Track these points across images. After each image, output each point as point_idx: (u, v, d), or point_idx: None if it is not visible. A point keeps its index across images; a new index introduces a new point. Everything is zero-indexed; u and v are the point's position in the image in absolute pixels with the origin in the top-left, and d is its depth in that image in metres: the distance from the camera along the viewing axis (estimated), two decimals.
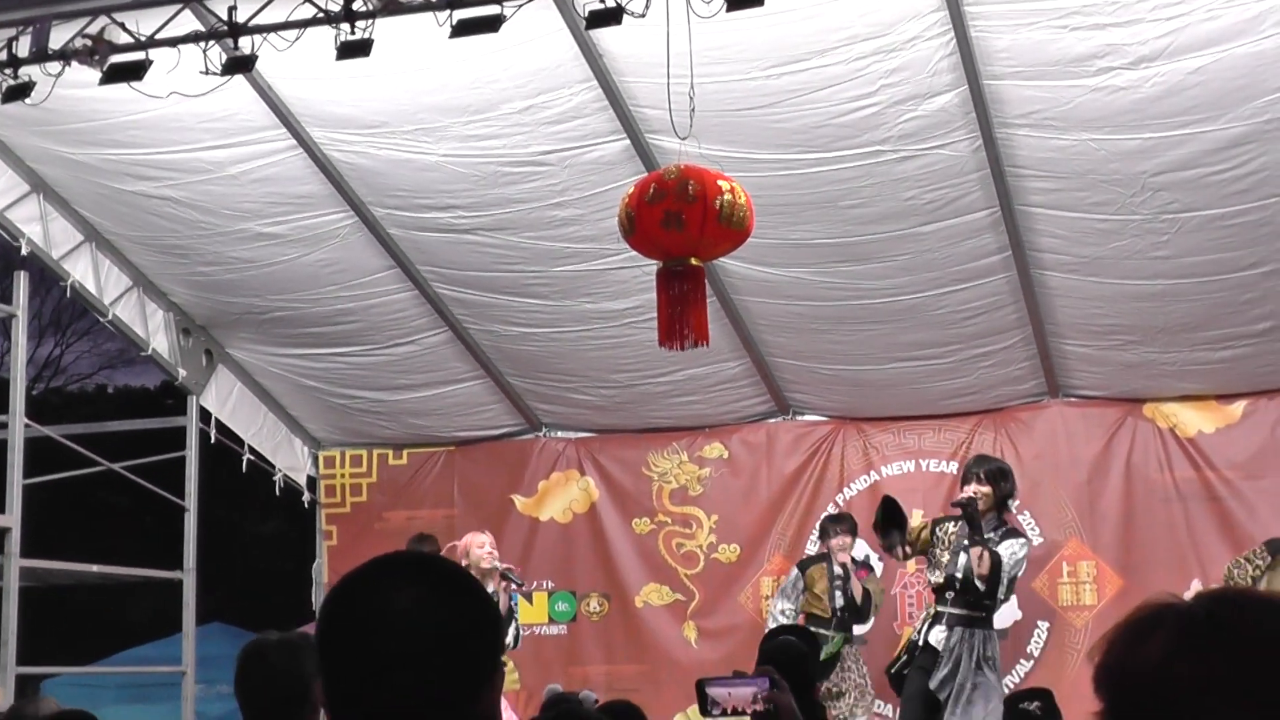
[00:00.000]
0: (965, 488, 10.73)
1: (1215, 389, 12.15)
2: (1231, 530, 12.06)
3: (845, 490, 12.84)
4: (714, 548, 13.12)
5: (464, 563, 10.73)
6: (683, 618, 13.10)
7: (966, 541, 10.46)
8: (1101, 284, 10.88)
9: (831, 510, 12.56)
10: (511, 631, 10.72)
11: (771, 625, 11.08)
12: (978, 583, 10.36)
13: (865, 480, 12.88)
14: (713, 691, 4.05)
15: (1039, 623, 12.21)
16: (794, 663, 6.52)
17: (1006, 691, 10.57)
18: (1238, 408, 12.22)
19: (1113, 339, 11.60)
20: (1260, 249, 10.31)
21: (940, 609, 10.64)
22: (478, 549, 10.73)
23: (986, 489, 10.61)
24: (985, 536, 10.44)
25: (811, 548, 12.42)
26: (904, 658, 10.81)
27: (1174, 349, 11.58)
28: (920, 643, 10.65)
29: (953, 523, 10.76)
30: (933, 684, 10.38)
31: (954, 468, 12.66)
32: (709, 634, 12.86)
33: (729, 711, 4.12)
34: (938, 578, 10.64)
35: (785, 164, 9.84)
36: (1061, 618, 12.27)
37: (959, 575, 10.44)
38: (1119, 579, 12.09)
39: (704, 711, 4.12)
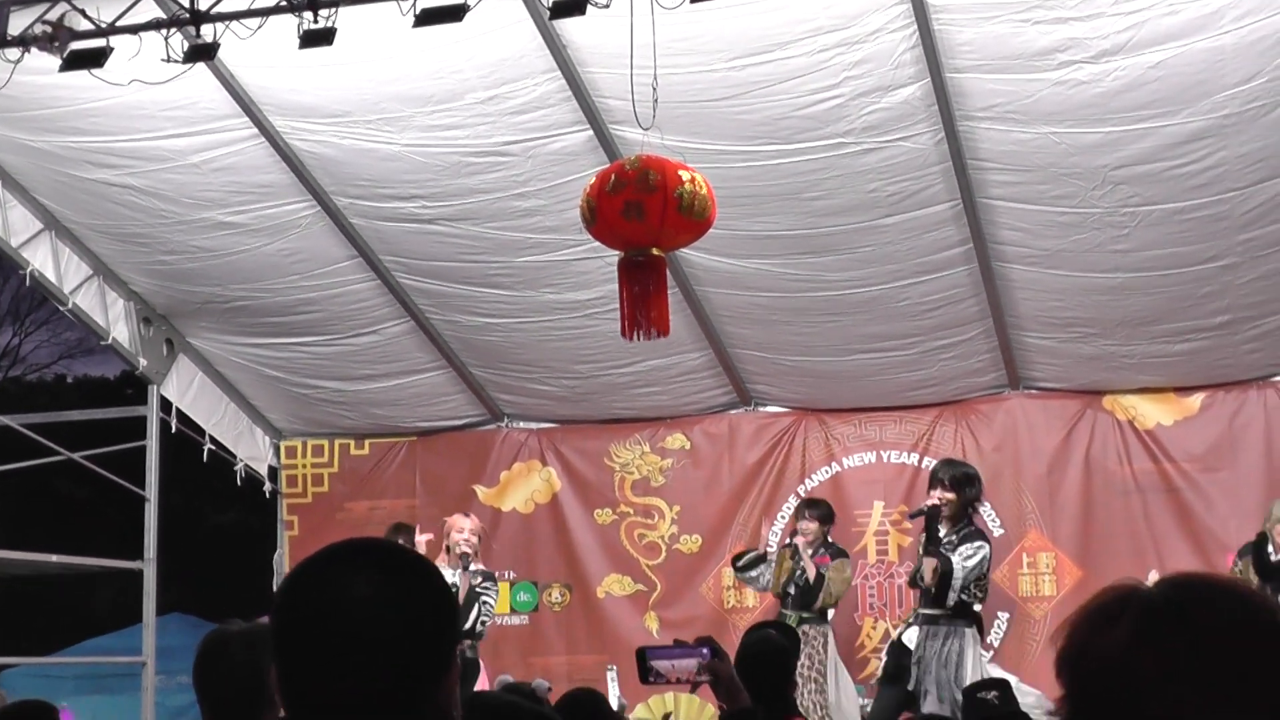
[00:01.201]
0: (931, 493, 10.83)
1: (1174, 381, 12.21)
2: (1189, 522, 12.15)
3: (807, 481, 12.87)
4: (676, 538, 13.14)
5: (445, 542, 10.77)
6: (644, 608, 13.11)
7: (921, 550, 10.71)
8: (1062, 277, 10.93)
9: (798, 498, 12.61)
10: (473, 616, 10.62)
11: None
12: (930, 589, 10.63)
13: (827, 471, 12.91)
14: (657, 663, 4.04)
15: (999, 613, 12.26)
16: (773, 655, 6.52)
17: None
18: (1196, 400, 12.28)
19: (1072, 331, 11.65)
20: (1218, 243, 10.37)
21: (918, 609, 10.89)
22: (456, 532, 10.75)
23: (951, 495, 10.78)
24: (945, 540, 10.64)
25: (774, 538, 12.39)
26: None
27: (1133, 342, 11.64)
28: (895, 640, 10.90)
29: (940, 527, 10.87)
30: (910, 685, 10.50)
31: (915, 459, 12.71)
32: (671, 624, 12.85)
33: (671, 682, 4.12)
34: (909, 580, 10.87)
35: (748, 155, 9.85)
36: (1021, 609, 12.33)
37: (922, 580, 10.71)
38: (1078, 570, 12.15)
39: (643, 680, 4.11)
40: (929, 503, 10.77)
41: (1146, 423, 12.33)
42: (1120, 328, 11.45)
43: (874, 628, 12.56)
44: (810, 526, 11.77)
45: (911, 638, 10.73)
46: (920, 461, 12.71)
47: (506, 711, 4.69)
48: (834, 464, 12.90)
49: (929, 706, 10.29)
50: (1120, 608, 1.94)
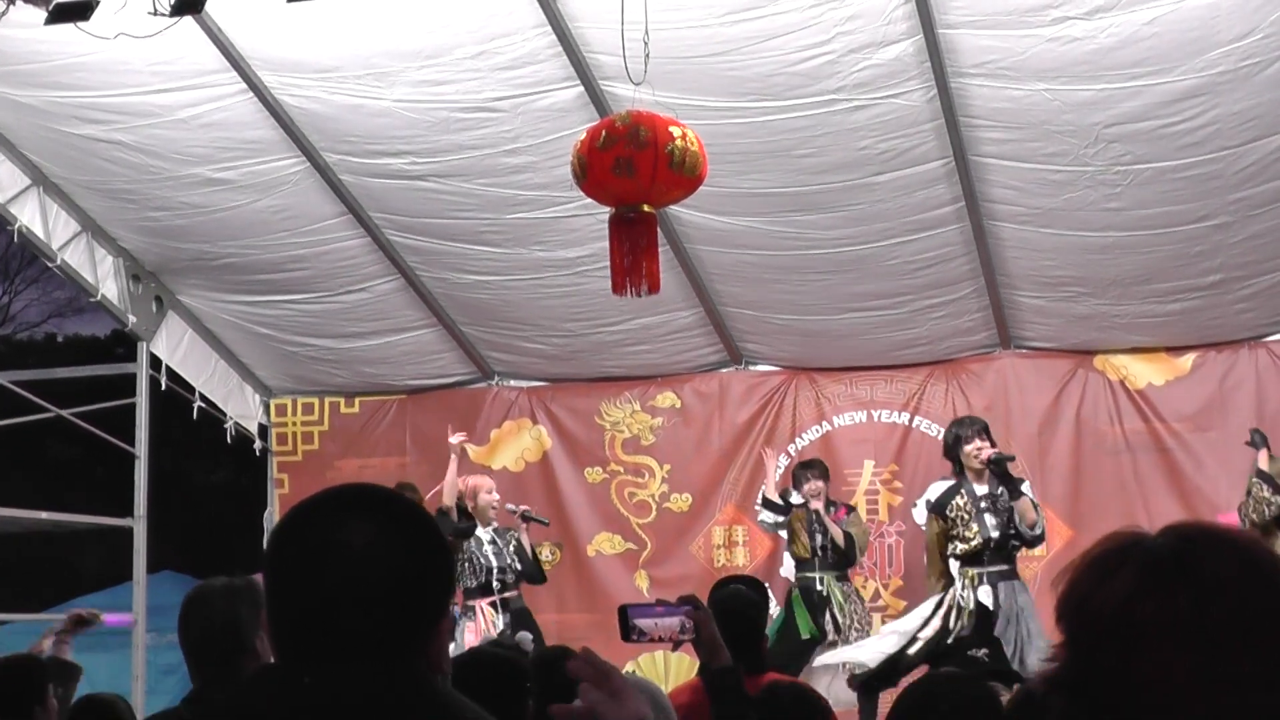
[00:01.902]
0: (967, 448, 10.75)
1: (1165, 341, 12.22)
2: (1179, 482, 12.17)
3: (797, 440, 12.87)
4: (666, 497, 13.14)
5: (470, 505, 11.11)
6: (634, 567, 13.12)
7: (999, 503, 10.63)
8: (1054, 235, 10.90)
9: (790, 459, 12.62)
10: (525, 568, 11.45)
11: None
12: (1026, 531, 10.62)
13: (817, 430, 12.91)
14: (639, 621, 4.01)
15: None
16: (742, 610, 6.52)
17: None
18: (1187, 360, 12.29)
19: (1064, 290, 11.63)
20: (1211, 202, 10.35)
21: (977, 570, 10.63)
22: (486, 494, 11.15)
23: (989, 444, 10.82)
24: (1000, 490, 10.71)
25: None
26: (953, 626, 10.78)
27: (1125, 301, 11.62)
28: (971, 607, 10.55)
29: (957, 495, 10.75)
30: (1001, 634, 10.34)
31: (905, 418, 12.72)
32: (660, 583, 12.87)
33: (654, 640, 4.10)
34: (964, 549, 10.69)
35: (739, 112, 9.81)
36: None
37: (995, 536, 10.60)
38: (1068, 530, 12.16)
39: (625, 638, 4.09)
40: (991, 453, 10.70)
41: (1137, 383, 12.34)
42: (1112, 287, 11.43)
43: (863, 587, 12.55)
44: (818, 486, 11.78)
45: (986, 597, 10.53)
46: (911, 421, 12.72)
47: (493, 665, 4.68)
48: (824, 423, 12.90)
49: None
50: (1123, 556, 1.94)
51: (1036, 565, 12.16)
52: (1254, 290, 11.43)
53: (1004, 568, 10.68)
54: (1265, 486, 10.37)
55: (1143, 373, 12.34)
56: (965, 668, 6.73)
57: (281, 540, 2.31)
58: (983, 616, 10.44)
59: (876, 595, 12.51)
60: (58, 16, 8.72)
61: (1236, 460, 11.70)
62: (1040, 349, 12.54)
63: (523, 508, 11.51)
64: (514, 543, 11.44)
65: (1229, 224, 10.57)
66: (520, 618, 11.14)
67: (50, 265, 11.98)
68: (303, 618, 2.23)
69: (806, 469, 11.98)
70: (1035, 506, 10.73)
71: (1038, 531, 10.75)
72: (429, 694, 2.22)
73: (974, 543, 10.60)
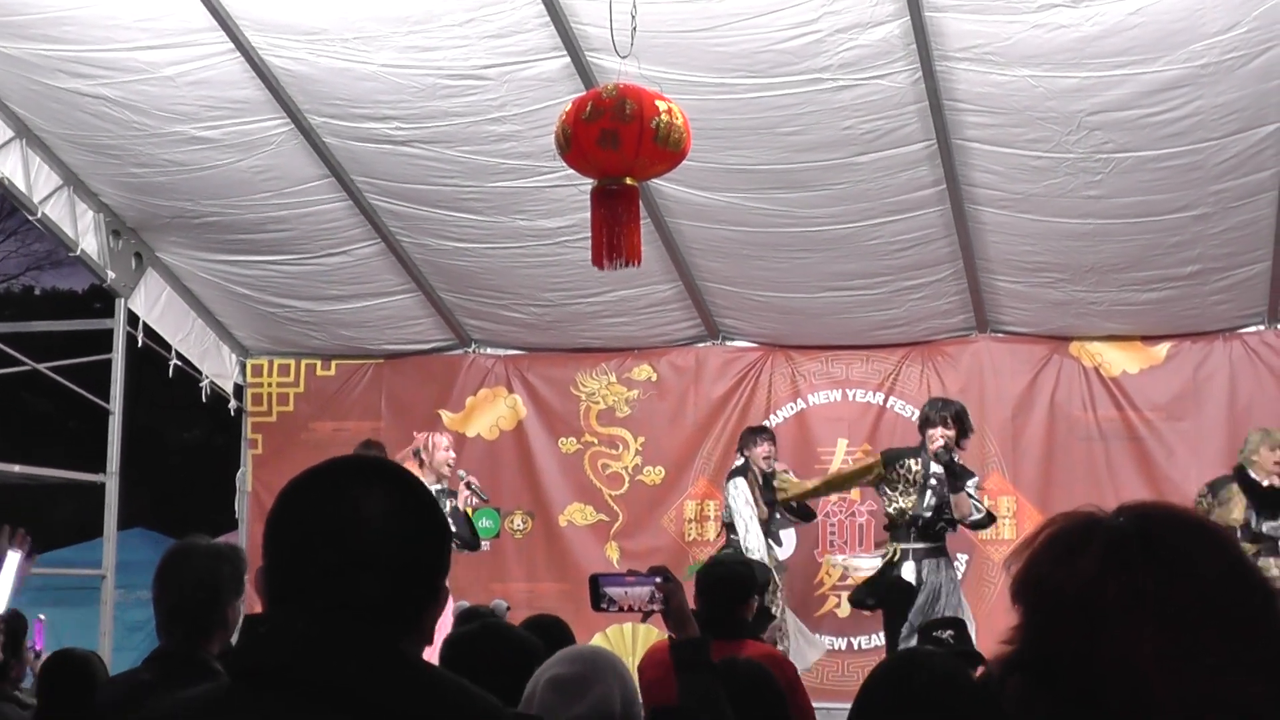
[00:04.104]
0: (930, 431, 10.84)
1: (1141, 330, 12.28)
2: (1150, 471, 12.24)
3: (772, 417, 12.90)
4: (639, 469, 13.18)
5: (423, 459, 11.00)
6: (605, 538, 13.16)
7: (944, 488, 10.79)
8: (1034, 221, 10.94)
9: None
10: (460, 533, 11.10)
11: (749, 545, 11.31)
12: (960, 520, 10.86)
13: (792, 408, 12.95)
14: (610, 590, 4.05)
15: (958, 555, 12.30)
16: (725, 576, 6.60)
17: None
18: (1162, 349, 12.35)
19: (1042, 276, 11.68)
20: (1190, 193, 10.40)
21: (904, 545, 10.82)
22: (442, 451, 11.03)
23: (951, 431, 10.88)
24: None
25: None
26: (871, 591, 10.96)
27: (1102, 288, 11.68)
28: (894, 578, 10.78)
29: (913, 459, 10.86)
30: (915, 617, 10.47)
31: (880, 398, 12.77)
32: (631, 555, 12.90)
33: (624, 609, 4.13)
34: (897, 508, 10.78)
35: (724, 88, 9.82)
36: (980, 551, 12.41)
37: (926, 514, 10.76)
38: (1038, 514, 12.19)
39: (595, 606, 4.12)
40: (939, 444, 10.82)
41: (1112, 370, 12.40)
42: (1090, 274, 11.48)
43: (833, 566, 12.62)
44: (768, 449, 11.82)
45: (909, 573, 10.73)
46: (885, 401, 12.77)
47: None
48: (799, 400, 12.94)
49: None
50: (1085, 537, 1.94)
51: (1005, 549, 12.20)
52: (1231, 282, 11.49)
53: (929, 545, 10.84)
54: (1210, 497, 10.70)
55: (1117, 360, 12.41)
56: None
57: (293, 501, 2.28)
58: (904, 591, 10.63)
59: (844, 575, 12.57)
60: None
61: (1208, 450, 11.80)
62: (1016, 334, 12.60)
63: (470, 477, 11.37)
64: (450, 505, 11.20)
65: (1208, 215, 10.62)
66: None
67: (30, 218, 11.96)
68: (308, 581, 2.21)
69: (754, 433, 12.01)
70: (976, 505, 10.90)
71: (972, 519, 10.91)
72: (416, 669, 2.23)
73: (904, 511, 10.79)
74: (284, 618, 2.22)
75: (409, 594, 2.25)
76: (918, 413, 11.51)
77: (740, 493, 11.63)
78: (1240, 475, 10.78)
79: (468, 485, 11.19)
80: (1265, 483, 10.66)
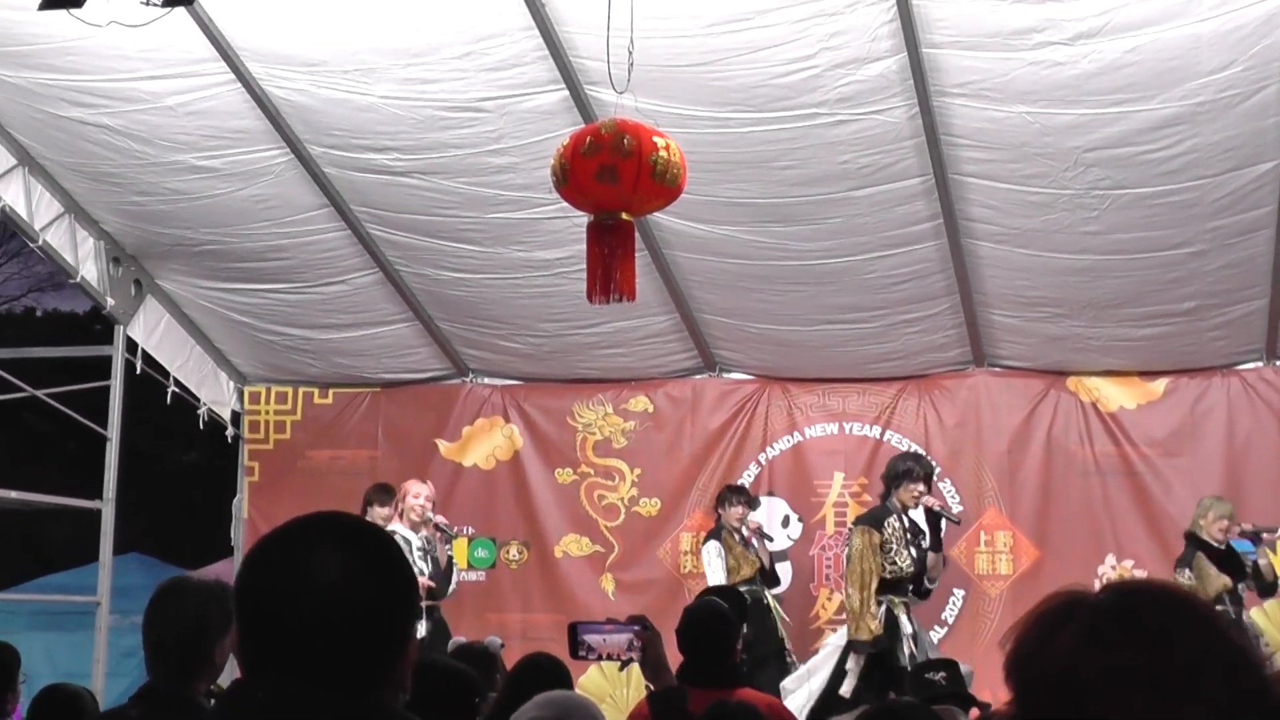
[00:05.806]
0: (911, 486, 11.03)
1: (1138, 365, 12.29)
2: (1147, 506, 12.23)
3: (768, 449, 12.90)
4: (635, 501, 13.17)
5: (399, 504, 11.03)
6: (601, 569, 13.14)
7: (928, 547, 11.02)
8: (1030, 256, 10.96)
9: (744, 481, 12.66)
10: (448, 579, 11.31)
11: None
12: (927, 583, 11.07)
13: (788, 440, 12.95)
14: (588, 637, 4.07)
15: (955, 590, 12.33)
16: (707, 622, 6.55)
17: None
18: (1159, 385, 12.36)
19: (1039, 311, 11.70)
20: (1188, 229, 10.42)
21: (903, 599, 10.95)
22: (413, 498, 11.11)
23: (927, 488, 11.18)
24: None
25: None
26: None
27: (1100, 324, 11.69)
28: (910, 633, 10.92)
29: (892, 518, 10.94)
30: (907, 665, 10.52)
31: (876, 432, 12.77)
32: (627, 587, 12.91)
33: (602, 657, 4.14)
34: (894, 572, 10.87)
35: (721, 122, 9.85)
36: (977, 586, 12.39)
37: (914, 571, 10.98)
38: (1035, 550, 12.22)
39: (574, 654, 4.14)
40: (935, 506, 11.09)
41: (1109, 405, 12.40)
42: (1087, 309, 11.50)
43: (829, 599, 12.62)
44: (740, 512, 11.90)
45: (908, 626, 10.86)
46: (882, 434, 12.76)
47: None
48: (796, 433, 12.94)
49: None
50: (1066, 613, 1.96)
51: (1002, 584, 12.25)
52: (1228, 319, 11.51)
53: (912, 597, 11.05)
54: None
55: (1115, 395, 12.41)
56: (922, 690, 6.73)
57: (251, 577, 2.33)
58: (893, 670, 10.69)
59: (841, 608, 12.54)
60: (52, 3, 8.70)
61: (1205, 486, 11.79)
62: (1013, 368, 12.60)
63: (439, 518, 11.38)
64: (428, 552, 11.23)
65: (1205, 251, 10.64)
66: (440, 630, 10.95)
67: (31, 245, 11.99)
68: (275, 648, 2.26)
69: (734, 493, 12.06)
70: (943, 562, 11.21)
71: (930, 586, 11.17)
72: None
73: (907, 569, 10.85)
74: (246, 687, 2.26)
75: (371, 654, 2.27)
76: (891, 460, 11.55)
77: (714, 557, 11.73)
78: (1195, 541, 10.91)
79: (436, 527, 11.20)
80: (1215, 544, 10.85)
